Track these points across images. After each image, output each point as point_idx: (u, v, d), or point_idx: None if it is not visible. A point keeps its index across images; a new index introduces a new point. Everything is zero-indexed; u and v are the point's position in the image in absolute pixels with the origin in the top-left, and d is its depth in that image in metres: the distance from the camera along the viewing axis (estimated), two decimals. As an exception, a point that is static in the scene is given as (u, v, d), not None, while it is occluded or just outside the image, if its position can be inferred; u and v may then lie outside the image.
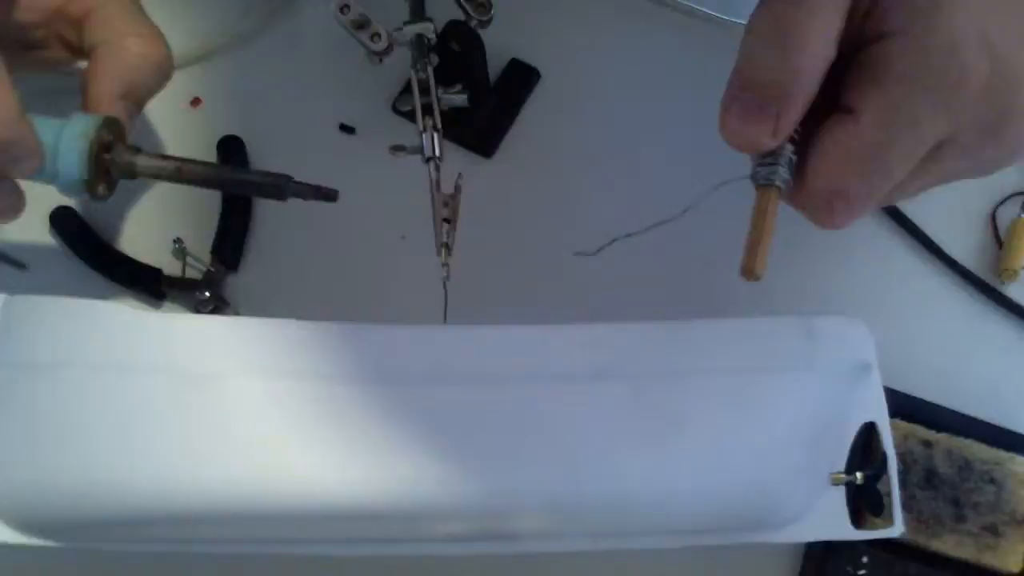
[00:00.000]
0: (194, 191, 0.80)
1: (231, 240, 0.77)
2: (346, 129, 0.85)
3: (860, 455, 0.60)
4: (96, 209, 0.79)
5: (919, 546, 0.67)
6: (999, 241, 0.83)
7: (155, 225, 0.79)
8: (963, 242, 0.84)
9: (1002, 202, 0.85)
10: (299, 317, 0.63)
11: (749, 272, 0.57)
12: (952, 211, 0.85)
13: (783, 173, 0.55)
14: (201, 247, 0.78)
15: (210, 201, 0.80)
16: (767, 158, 0.56)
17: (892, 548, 0.68)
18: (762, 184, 0.56)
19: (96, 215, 0.78)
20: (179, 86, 0.84)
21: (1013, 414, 0.74)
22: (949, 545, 0.67)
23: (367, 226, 0.81)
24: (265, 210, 0.81)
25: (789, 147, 0.55)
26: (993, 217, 0.84)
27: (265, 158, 0.83)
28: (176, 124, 0.85)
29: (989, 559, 0.67)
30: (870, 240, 0.84)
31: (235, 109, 0.87)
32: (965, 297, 0.82)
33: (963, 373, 0.78)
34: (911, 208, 0.85)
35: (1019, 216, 0.82)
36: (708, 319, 0.61)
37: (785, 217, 0.58)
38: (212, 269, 0.76)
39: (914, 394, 0.73)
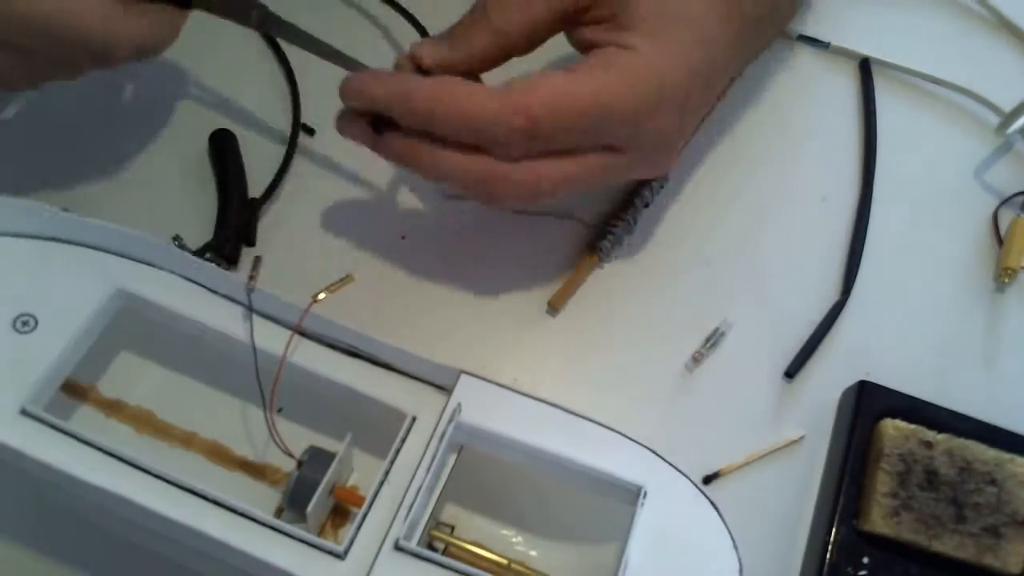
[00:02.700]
0: (192, 188, 0.81)
1: (231, 236, 0.77)
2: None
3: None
4: (95, 208, 0.78)
5: (919, 547, 0.67)
6: (999, 241, 0.83)
7: (154, 223, 0.79)
8: (963, 242, 0.84)
9: (1002, 202, 0.85)
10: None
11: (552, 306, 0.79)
12: (952, 211, 0.85)
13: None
14: (201, 242, 0.77)
15: (209, 198, 0.80)
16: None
17: (892, 549, 0.67)
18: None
19: (95, 213, 0.78)
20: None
21: (1013, 414, 0.73)
22: (950, 546, 0.66)
23: (367, 225, 0.82)
24: (265, 206, 0.81)
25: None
26: (994, 217, 0.84)
27: (261, 155, 0.84)
28: (168, 117, 0.86)
29: (990, 560, 0.66)
30: (873, 239, 0.84)
31: (231, 105, 0.87)
32: (965, 297, 0.82)
33: (963, 373, 0.78)
34: (911, 205, 0.85)
35: (1019, 216, 0.83)
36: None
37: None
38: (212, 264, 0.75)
39: (914, 394, 0.73)
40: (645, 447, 0.62)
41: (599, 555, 0.64)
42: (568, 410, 0.62)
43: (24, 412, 0.59)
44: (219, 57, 0.90)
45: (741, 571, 0.59)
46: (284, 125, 0.86)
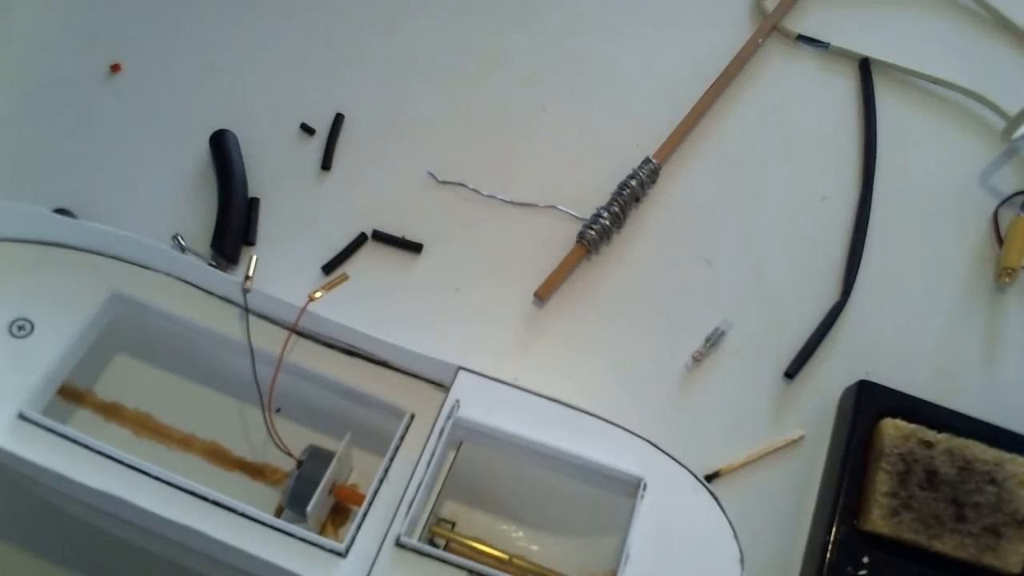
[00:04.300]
0: (192, 188, 0.81)
1: (230, 233, 0.78)
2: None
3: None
4: (93, 206, 0.79)
5: (920, 546, 0.66)
6: (999, 241, 0.83)
7: (154, 223, 0.79)
8: (963, 242, 0.84)
9: (1002, 202, 0.85)
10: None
11: (538, 296, 0.79)
12: (952, 211, 0.85)
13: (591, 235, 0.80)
14: (201, 241, 0.78)
15: (209, 198, 0.81)
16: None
17: (892, 548, 0.67)
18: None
19: (93, 212, 0.78)
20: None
21: (1013, 414, 0.73)
22: (950, 546, 0.66)
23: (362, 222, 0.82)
24: (265, 203, 0.82)
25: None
26: (994, 217, 0.84)
27: (261, 155, 0.84)
28: (168, 117, 0.86)
29: (990, 559, 0.66)
30: (873, 239, 0.84)
31: (232, 105, 0.87)
32: (965, 297, 0.82)
33: (963, 373, 0.78)
34: (911, 205, 0.86)
35: (1019, 216, 0.83)
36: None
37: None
38: (213, 263, 0.75)
39: (914, 394, 0.72)
40: (645, 440, 0.62)
41: (600, 548, 0.64)
42: (566, 404, 0.63)
43: (22, 417, 0.59)
44: (221, 57, 0.90)
45: (742, 560, 0.59)
46: (284, 125, 0.86)
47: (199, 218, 0.80)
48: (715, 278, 0.81)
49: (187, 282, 0.66)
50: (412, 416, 0.63)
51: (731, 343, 0.78)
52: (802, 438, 0.74)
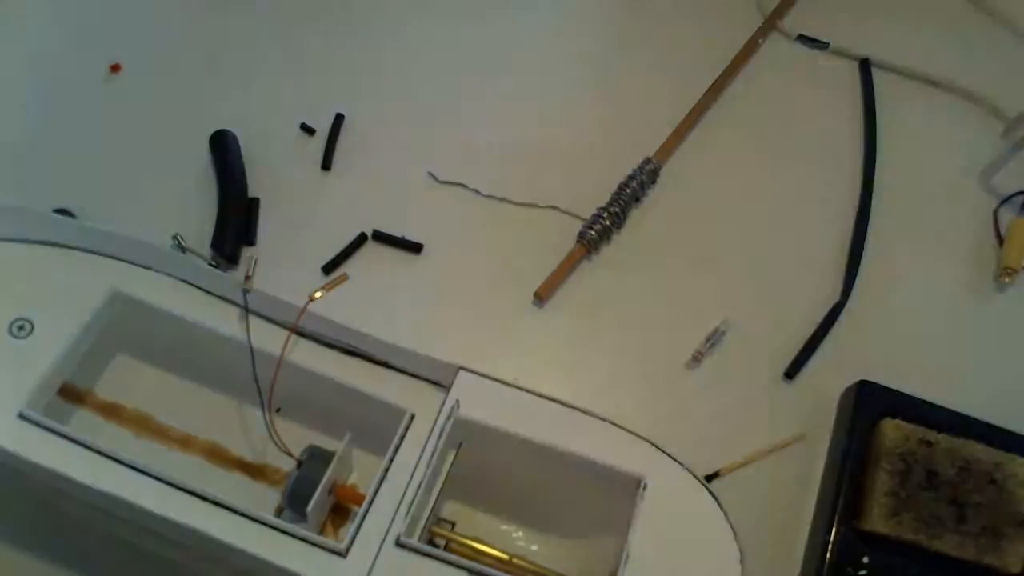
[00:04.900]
0: (192, 188, 0.81)
1: (230, 233, 0.78)
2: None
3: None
4: (93, 206, 0.79)
5: (920, 546, 0.66)
6: (999, 241, 0.83)
7: (155, 223, 0.79)
8: (963, 242, 0.84)
9: (1002, 202, 0.85)
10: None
11: (538, 296, 0.79)
12: (952, 211, 0.85)
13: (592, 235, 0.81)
14: (201, 241, 0.78)
15: (209, 198, 0.81)
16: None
17: (892, 548, 0.67)
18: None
19: (93, 212, 0.78)
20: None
21: (1013, 414, 0.73)
22: (950, 545, 0.66)
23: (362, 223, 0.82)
24: (265, 203, 0.82)
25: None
26: (994, 217, 0.84)
27: (261, 155, 0.84)
28: (168, 117, 0.86)
29: (990, 559, 0.66)
30: (873, 239, 0.84)
31: (232, 105, 0.87)
32: (965, 297, 0.82)
33: (963, 373, 0.78)
34: (911, 205, 0.86)
35: (1019, 216, 0.83)
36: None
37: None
38: (213, 263, 0.75)
39: (914, 394, 0.72)
40: (645, 440, 0.62)
41: (600, 548, 0.64)
42: (566, 404, 0.63)
43: (22, 417, 0.59)
44: (221, 57, 0.90)
45: (742, 560, 0.59)
46: (284, 125, 0.86)
47: (199, 218, 0.80)
48: (715, 278, 0.81)
49: (187, 282, 0.66)
50: (412, 416, 0.63)
51: (731, 343, 0.78)
52: (802, 438, 0.74)
